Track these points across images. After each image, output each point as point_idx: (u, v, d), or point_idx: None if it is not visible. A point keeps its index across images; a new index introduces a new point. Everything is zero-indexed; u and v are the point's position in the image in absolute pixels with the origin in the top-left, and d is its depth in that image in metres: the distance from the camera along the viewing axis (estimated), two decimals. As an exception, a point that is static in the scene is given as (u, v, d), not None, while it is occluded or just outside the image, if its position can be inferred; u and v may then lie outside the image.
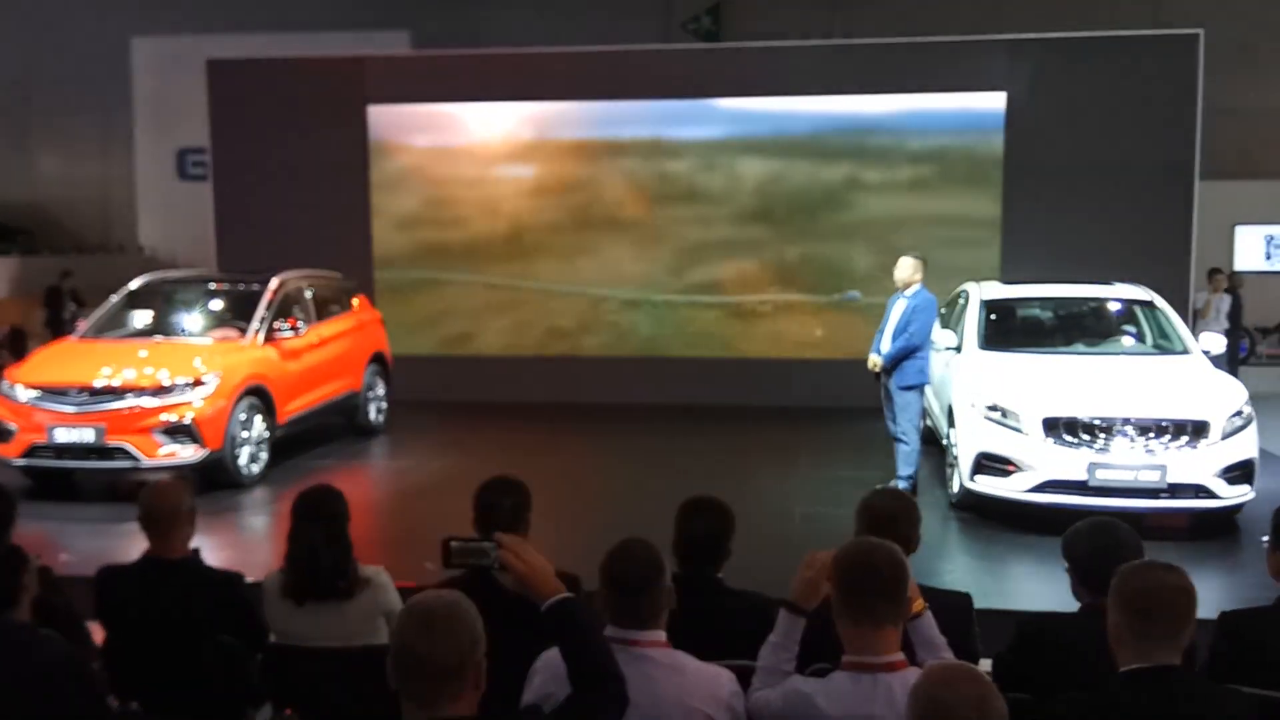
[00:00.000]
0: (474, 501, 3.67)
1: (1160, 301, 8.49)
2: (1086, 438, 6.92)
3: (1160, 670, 2.56)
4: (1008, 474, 7.10)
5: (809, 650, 2.97)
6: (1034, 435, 7.01)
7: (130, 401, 8.07)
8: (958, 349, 8.18)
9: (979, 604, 3.65)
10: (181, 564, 3.90)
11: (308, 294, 9.93)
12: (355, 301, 10.81)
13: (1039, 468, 6.96)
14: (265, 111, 12.74)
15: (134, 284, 9.75)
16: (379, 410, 10.76)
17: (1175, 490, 6.82)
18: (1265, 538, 3.65)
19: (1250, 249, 14.26)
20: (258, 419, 8.65)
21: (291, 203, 12.58)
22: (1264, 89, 14.36)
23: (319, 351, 9.71)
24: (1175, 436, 6.86)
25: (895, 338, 7.81)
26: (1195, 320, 12.22)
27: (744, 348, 12.32)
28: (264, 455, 8.74)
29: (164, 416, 8.08)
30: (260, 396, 8.70)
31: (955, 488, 7.64)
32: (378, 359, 10.78)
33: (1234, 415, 7.00)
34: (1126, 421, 6.89)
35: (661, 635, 2.82)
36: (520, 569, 2.49)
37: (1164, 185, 11.50)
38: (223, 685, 3.77)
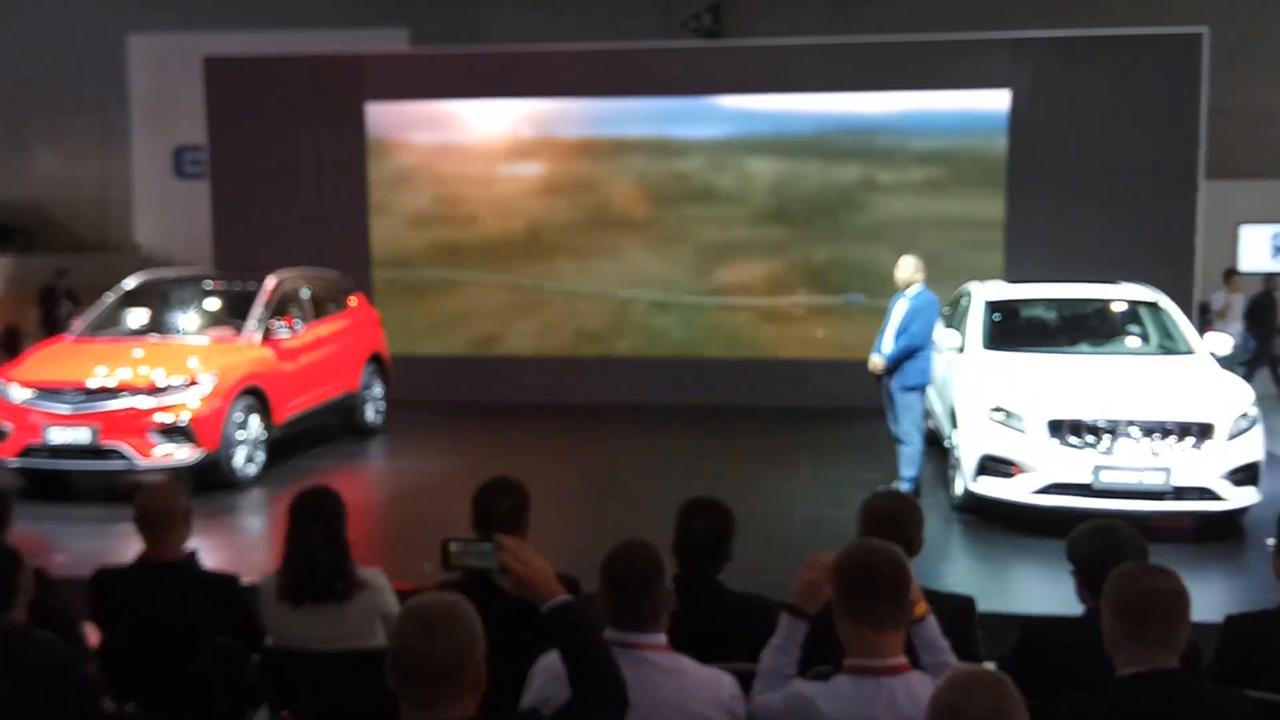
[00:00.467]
0: (473, 502, 3.65)
1: (1165, 301, 8.45)
2: (1091, 439, 6.88)
3: (1159, 673, 2.56)
4: (1011, 476, 7.06)
5: (811, 653, 2.95)
6: (1038, 437, 6.97)
7: (125, 402, 8.03)
8: (961, 349, 8.15)
9: (982, 607, 3.64)
10: (177, 565, 3.89)
11: (305, 293, 9.89)
12: (353, 301, 10.78)
13: (1043, 470, 6.92)
14: (263, 110, 12.72)
15: (129, 283, 9.72)
16: (377, 410, 10.72)
17: (1180, 493, 6.78)
18: (1271, 540, 3.64)
19: (1255, 248, 14.25)
20: (254, 419, 8.61)
21: (289, 201, 12.56)
22: (1270, 88, 14.35)
23: (316, 351, 9.68)
24: (1180, 438, 6.82)
25: (896, 338, 7.78)
26: (1214, 321, 12.18)
27: (748, 349, 12.29)
28: (260, 456, 8.70)
29: (159, 417, 8.04)
30: (257, 397, 8.66)
31: (958, 489, 7.61)
32: (375, 359, 10.75)
33: (1240, 417, 6.96)
34: (1131, 423, 6.85)
35: (661, 638, 2.82)
36: (520, 571, 2.48)
37: (1168, 184, 11.49)
38: (219, 687, 3.75)
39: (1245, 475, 6.90)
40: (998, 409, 7.20)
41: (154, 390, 8.08)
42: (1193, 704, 2.57)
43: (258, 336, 8.97)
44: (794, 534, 7.31)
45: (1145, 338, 8.40)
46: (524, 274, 12.57)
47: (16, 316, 15.22)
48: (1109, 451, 6.82)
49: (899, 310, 7.87)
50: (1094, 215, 11.47)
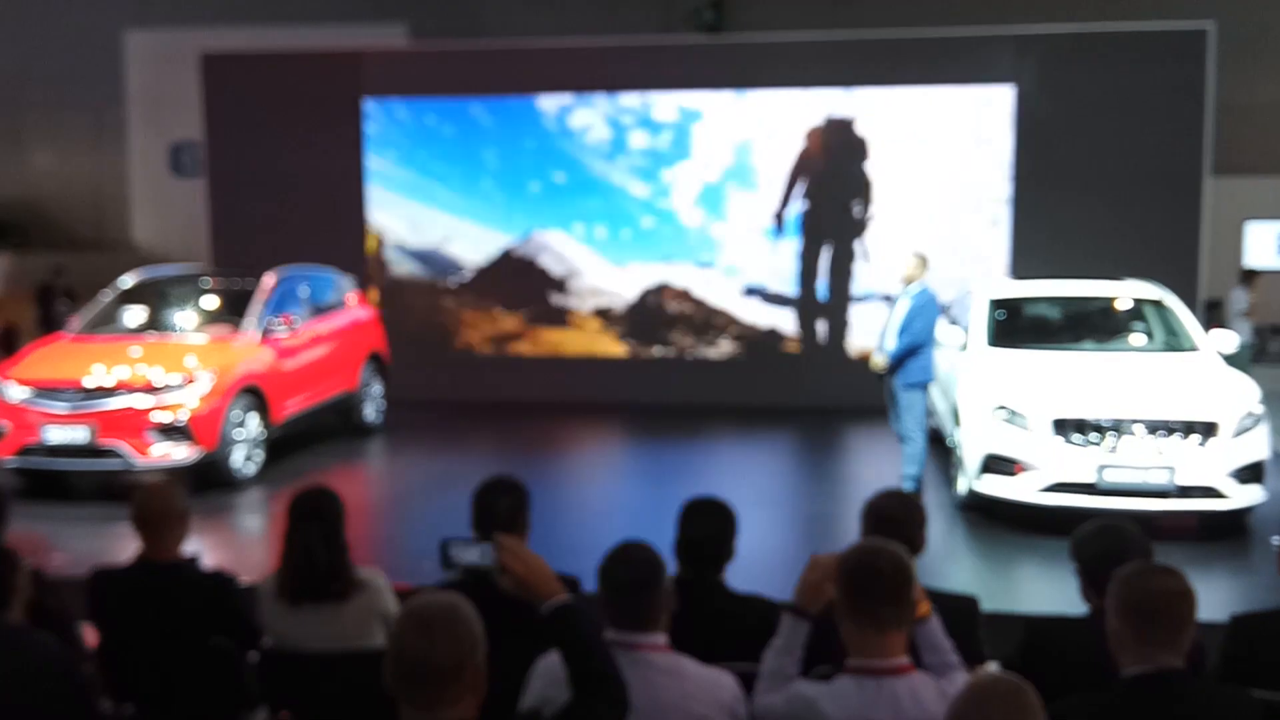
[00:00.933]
0: (472, 502, 3.64)
1: (1171, 299, 8.42)
2: (1095, 438, 6.84)
3: (1164, 673, 2.56)
4: (1015, 474, 7.03)
5: (813, 654, 2.94)
6: (1042, 435, 6.94)
7: (123, 401, 8.01)
8: (964, 347, 8.12)
9: (985, 606, 3.63)
10: (175, 566, 3.87)
11: (303, 291, 9.86)
12: (352, 299, 10.75)
13: (1047, 468, 6.89)
14: (260, 106, 12.69)
15: (127, 281, 9.69)
16: (377, 410, 10.70)
17: (1185, 491, 6.75)
18: (1276, 539, 3.62)
19: (1262, 245, 14.20)
20: (253, 418, 8.58)
21: (286, 199, 12.53)
22: (1277, 84, 14.30)
23: (315, 350, 9.65)
24: (1185, 436, 6.79)
25: (898, 336, 7.76)
26: (1232, 321, 12.10)
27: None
28: (259, 455, 8.68)
29: (157, 416, 8.01)
30: (255, 395, 8.64)
31: (961, 488, 7.58)
32: (375, 357, 10.72)
33: (1245, 415, 6.92)
34: (1136, 421, 6.82)
35: (662, 638, 2.81)
36: (520, 571, 2.46)
37: (1173, 181, 11.46)
38: (216, 688, 3.73)
39: (1250, 474, 6.86)
40: (1001, 407, 7.16)
41: (152, 389, 8.06)
42: (1197, 704, 2.57)
43: (256, 335, 8.95)
44: (796, 534, 7.29)
45: (1150, 335, 8.35)
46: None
47: (14, 315, 15.19)
48: (1113, 450, 6.78)
49: (901, 308, 7.84)
50: (1099, 212, 11.45)
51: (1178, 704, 2.54)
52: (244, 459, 8.48)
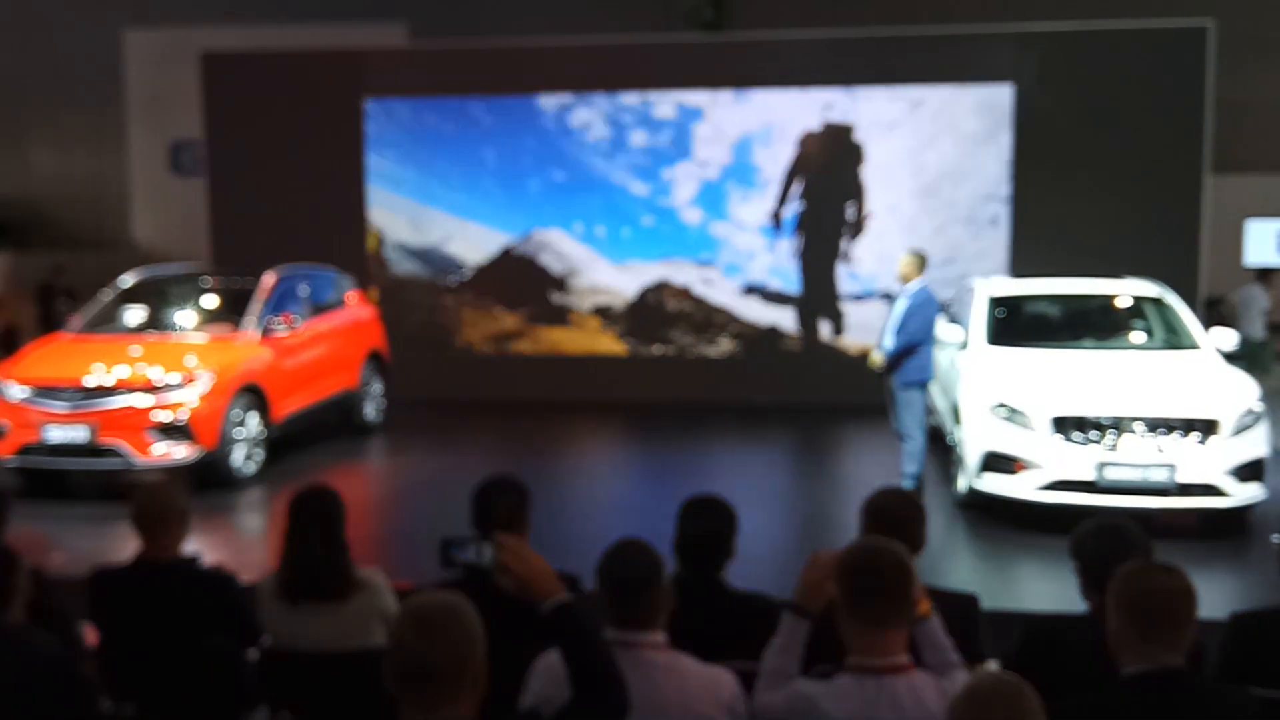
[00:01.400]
0: (472, 501, 3.63)
1: (1171, 297, 8.41)
2: (1095, 436, 6.84)
3: (1165, 672, 2.55)
4: (1015, 472, 7.03)
5: (813, 652, 2.93)
6: (1042, 433, 6.93)
7: (123, 400, 8.01)
8: (964, 345, 8.12)
9: (986, 605, 3.63)
10: (175, 565, 3.87)
11: (303, 290, 9.86)
12: (352, 298, 10.75)
13: (1047, 466, 6.89)
14: (260, 105, 12.68)
15: (127, 280, 9.69)
16: (377, 409, 10.69)
17: (1185, 489, 6.74)
18: (1276, 537, 3.62)
19: (1262, 243, 14.17)
20: (253, 417, 8.58)
21: (287, 198, 12.52)
22: (1277, 81, 14.28)
23: (315, 349, 9.65)
24: (1185, 434, 6.78)
25: (895, 335, 7.76)
26: (1244, 321, 12.01)
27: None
28: (259, 454, 8.67)
29: (157, 415, 8.01)
30: (255, 394, 8.63)
31: (961, 486, 7.57)
32: (375, 356, 10.72)
33: (1245, 413, 6.92)
34: (1136, 419, 6.81)
35: (661, 637, 2.81)
36: (520, 570, 2.46)
37: (1173, 179, 11.46)
38: (216, 687, 3.73)
39: (1250, 471, 6.85)
40: (1001, 405, 7.16)
41: (152, 388, 8.06)
42: (1198, 703, 2.56)
43: (256, 334, 8.94)
44: (796, 532, 7.29)
45: (1150, 333, 8.35)
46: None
47: (15, 314, 15.18)
48: (1113, 448, 6.78)
49: (899, 307, 7.85)
50: (1098, 210, 11.44)
51: (1178, 702, 2.53)
52: (244, 458, 8.48)
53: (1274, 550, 3.63)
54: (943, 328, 8.09)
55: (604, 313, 12.53)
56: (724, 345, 12.35)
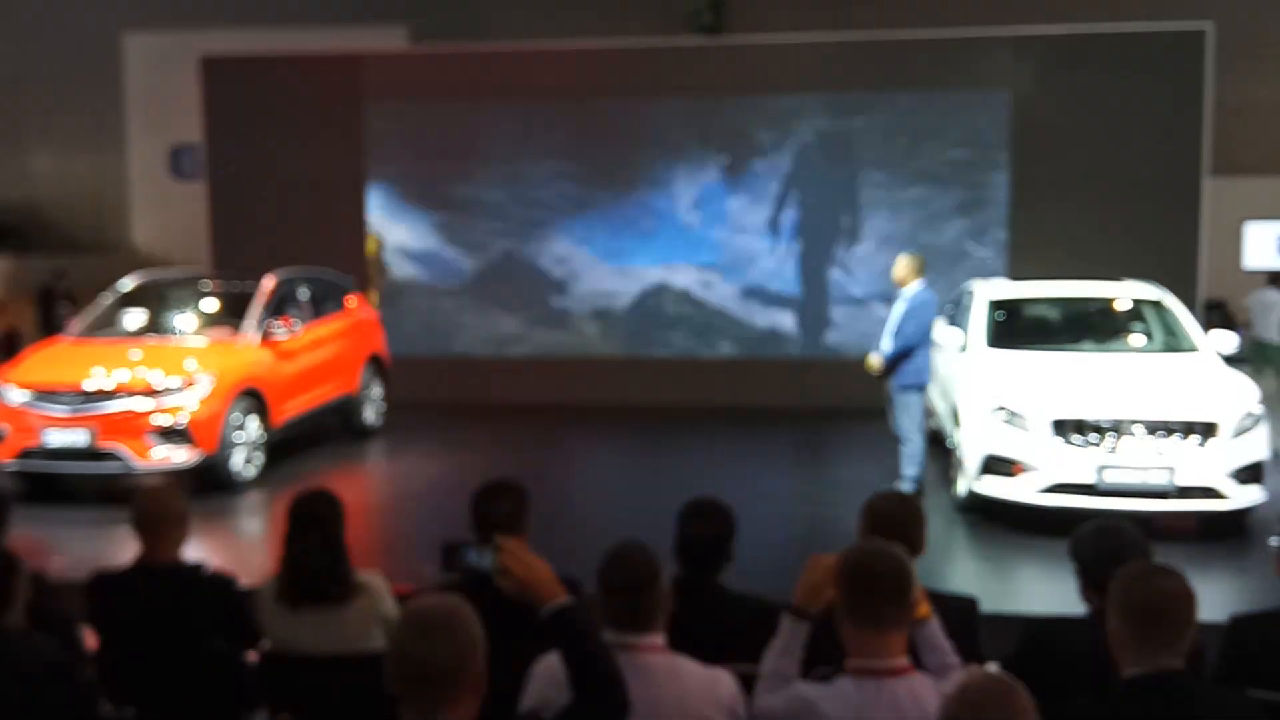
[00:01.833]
0: (472, 505, 3.63)
1: (1170, 299, 8.42)
2: (1095, 438, 6.84)
3: (1164, 674, 2.55)
4: (1014, 475, 7.03)
5: (813, 655, 2.93)
6: (1042, 436, 6.93)
7: (123, 404, 8.00)
8: (963, 348, 8.12)
9: (985, 607, 3.63)
10: (174, 568, 3.87)
11: (303, 293, 9.86)
12: (352, 301, 10.75)
13: (1047, 469, 6.89)
14: (260, 109, 12.69)
15: (127, 284, 9.69)
16: (377, 412, 10.69)
17: (1184, 492, 6.75)
18: (1274, 539, 3.62)
19: (1261, 246, 14.18)
20: (252, 421, 8.58)
21: (286, 201, 12.53)
22: (1275, 84, 14.29)
23: (315, 352, 9.64)
24: (1185, 437, 6.78)
25: (893, 338, 7.76)
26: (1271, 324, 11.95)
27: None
28: (259, 458, 8.67)
29: (157, 419, 8.01)
30: (255, 398, 8.63)
31: (961, 489, 7.57)
32: (375, 360, 10.72)
33: (1244, 415, 6.92)
34: (1135, 422, 6.81)
35: (659, 638, 2.81)
36: (521, 573, 2.46)
37: (1172, 182, 11.46)
38: (216, 690, 3.73)
39: (1250, 474, 6.86)
40: (1001, 408, 7.16)
41: (151, 392, 8.06)
42: (1197, 705, 2.56)
43: (256, 337, 8.94)
44: (796, 535, 7.29)
45: (1149, 336, 8.35)
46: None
47: (15, 318, 15.18)
48: (1113, 450, 6.78)
49: (896, 310, 7.85)
50: (1097, 212, 11.45)
51: (1177, 705, 2.53)
52: (244, 462, 8.47)
53: (1273, 553, 3.62)
54: (941, 331, 8.09)
55: (603, 316, 12.53)
56: (724, 348, 12.35)
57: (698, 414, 11.48)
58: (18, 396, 8.12)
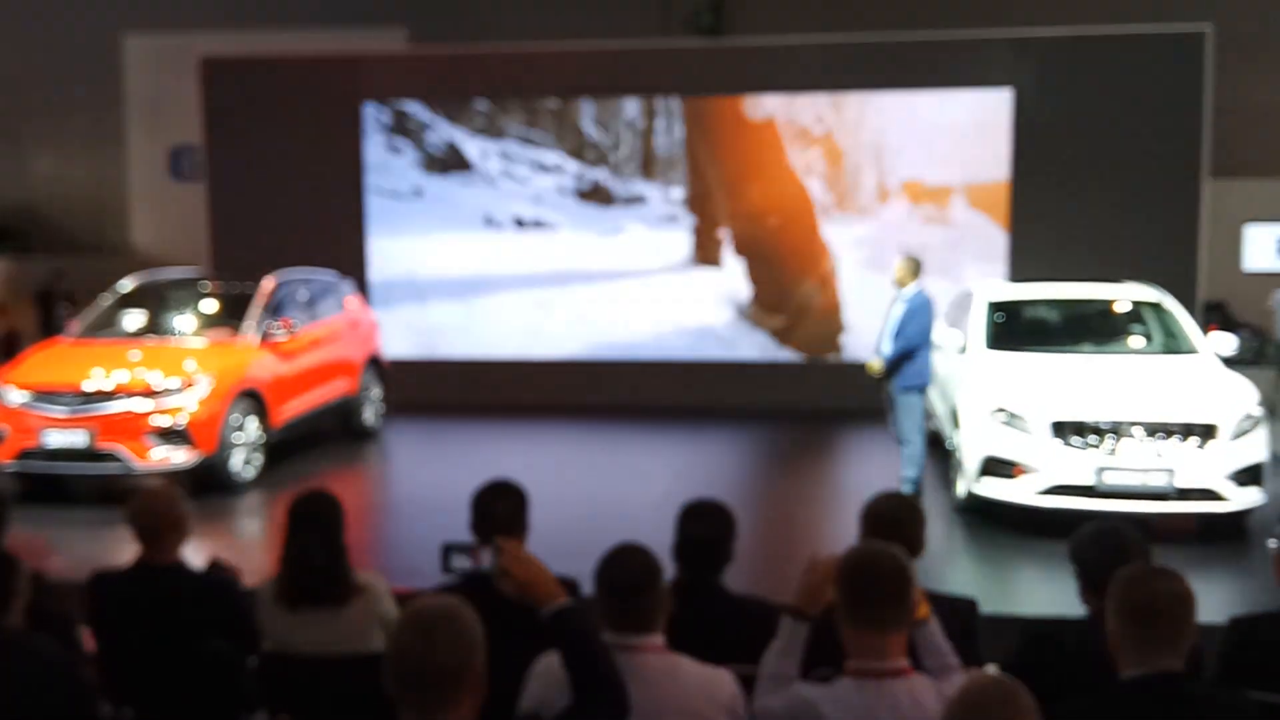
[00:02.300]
0: (471, 506, 3.63)
1: (1169, 301, 8.42)
2: (1094, 440, 6.84)
3: (1163, 676, 2.55)
4: (1014, 477, 7.03)
5: (812, 656, 2.93)
6: (1041, 438, 6.93)
7: (122, 404, 8.00)
8: (963, 350, 8.12)
9: (985, 609, 3.63)
10: (173, 569, 3.88)
11: (303, 294, 9.86)
12: (351, 303, 10.75)
13: (1046, 471, 6.88)
14: (259, 110, 12.68)
15: (126, 284, 9.69)
16: (376, 413, 10.69)
17: (1184, 494, 6.74)
18: (1273, 541, 3.62)
19: (1261, 248, 14.19)
20: (252, 422, 8.58)
21: (286, 203, 12.53)
22: (1275, 86, 14.30)
23: (314, 353, 9.64)
24: (1184, 439, 6.78)
25: (893, 340, 7.76)
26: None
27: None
28: (258, 459, 8.67)
29: (156, 420, 8.01)
30: (254, 399, 8.63)
31: (960, 491, 7.57)
32: (374, 361, 10.72)
33: (1244, 417, 6.92)
34: (1135, 424, 6.81)
35: (659, 639, 2.80)
36: (520, 574, 2.46)
37: (1172, 183, 11.45)
38: (215, 691, 3.72)
39: (1249, 476, 6.85)
40: (1000, 409, 7.16)
41: (151, 393, 8.06)
42: (1197, 707, 2.56)
43: (255, 338, 8.94)
44: (795, 536, 7.29)
45: (1149, 337, 8.35)
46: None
47: (14, 319, 15.18)
48: (1112, 452, 6.78)
49: (895, 312, 7.85)
50: (1097, 214, 11.44)
51: (1177, 706, 2.53)
52: (243, 463, 8.47)
53: (1272, 554, 3.63)
54: (941, 332, 8.09)
55: (603, 315, 12.53)
56: (724, 351, 12.34)
57: (698, 414, 11.48)
58: (17, 397, 8.12)
